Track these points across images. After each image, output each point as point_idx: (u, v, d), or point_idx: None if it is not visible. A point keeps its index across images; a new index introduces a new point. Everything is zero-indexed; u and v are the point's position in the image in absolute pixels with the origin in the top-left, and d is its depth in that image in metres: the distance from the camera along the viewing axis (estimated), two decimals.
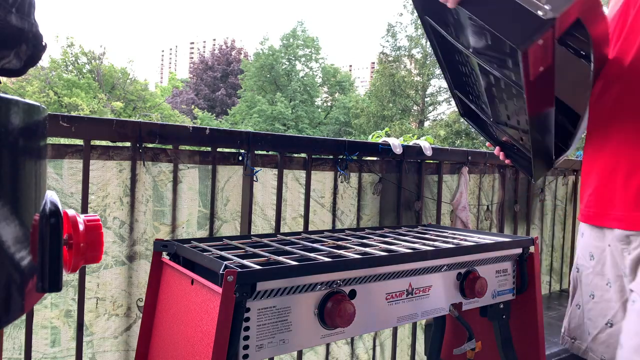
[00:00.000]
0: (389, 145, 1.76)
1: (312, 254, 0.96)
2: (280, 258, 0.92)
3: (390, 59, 22.61)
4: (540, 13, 0.66)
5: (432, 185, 2.02)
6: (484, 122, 1.20)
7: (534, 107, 0.80)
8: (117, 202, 1.29)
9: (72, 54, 23.69)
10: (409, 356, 1.92)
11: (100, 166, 1.27)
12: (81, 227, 0.51)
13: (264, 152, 1.53)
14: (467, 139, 20.87)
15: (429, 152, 1.87)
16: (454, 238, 1.26)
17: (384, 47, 23.08)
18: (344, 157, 1.67)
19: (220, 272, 0.76)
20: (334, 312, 0.85)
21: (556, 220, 2.73)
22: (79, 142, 1.24)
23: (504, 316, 1.23)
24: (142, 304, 1.27)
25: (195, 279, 0.87)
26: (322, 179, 1.68)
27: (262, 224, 1.54)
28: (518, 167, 1.26)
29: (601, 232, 1.08)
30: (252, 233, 1.48)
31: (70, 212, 0.52)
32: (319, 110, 27.95)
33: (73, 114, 9.77)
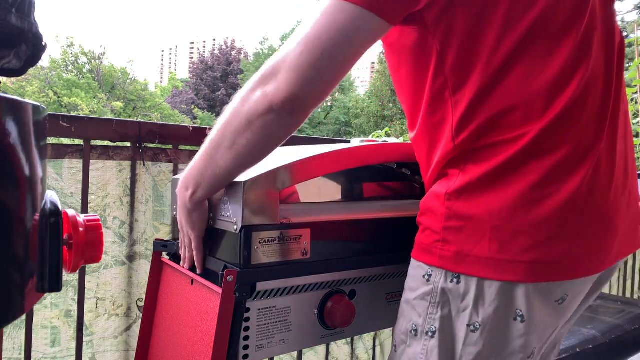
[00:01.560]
0: None
1: None
2: None
3: None
4: (234, 228, 0.77)
5: None
6: None
7: None
8: (117, 202, 1.29)
9: (72, 54, 23.71)
10: None
11: (100, 166, 1.27)
12: (81, 227, 0.51)
13: None
14: None
15: None
16: None
17: None
18: None
19: (220, 272, 0.77)
20: (334, 312, 0.85)
21: None
22: (79, 142, 1.24)
23: None
24: (142, 304, 1.27)
25: (195, 279, 0.87)
26: None
27: None
28: None
29: None
30: None
31: (70, 212, 0.52)
32: (319, 110, 27.95)
33: (73, 114, 9.77)
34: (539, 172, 0.68)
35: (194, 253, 0.86)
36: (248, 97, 0.69)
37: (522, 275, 0.68)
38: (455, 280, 0.72)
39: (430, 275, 0.74)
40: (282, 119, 0.68)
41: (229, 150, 0.72)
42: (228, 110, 0.72)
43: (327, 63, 0.65)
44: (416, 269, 0.77)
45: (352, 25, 0.64)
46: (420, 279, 0.75)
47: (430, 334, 0.74)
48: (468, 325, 0.71)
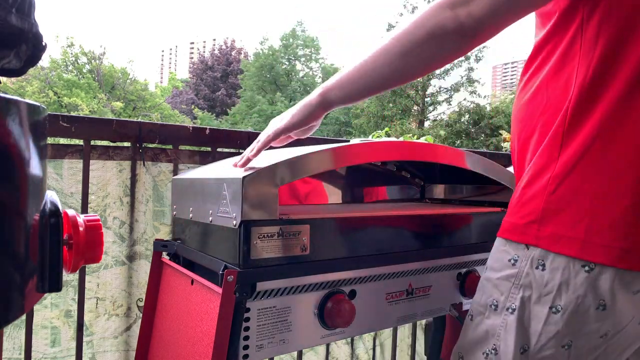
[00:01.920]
0: None
1: None
2: None
3: None
4: (234, 223, 0.78)
5: None
6: None
7: None
8: (117, 202, 1.29)
9: (72, 54, 23.70)
10: (409, 356, 1.92)
11: (100, 166, 1.27)
12: (81, 227, 0.51)
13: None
14: (467, 139, 20.87)
15: None
16: None
17: None
18: None
19: (220, 272, 0.77)
20: (334, 312, 0.85)
21: None
22: (79, 142, 1.24)
23: None
24: (142, 304, 1.27)
25: (195, 279, 0.87)
26: None
27: None
28: None
29: None
30: None
31: (70, 212, 0.52)
32: None
33: (73, 114, 9.76)
34: None
35: (259, 145, 0.85)
36: (436, 14, 0.75)
37: (612, 260, 0.73)
38: (540, 267, 0.78)
39: (516, 260, 0.81)
40: (464, 41, 0.75)
41: (402, 57, 0.77)
42: (407, 23, 0.77)
43: (512, 5, 0.74)
44: (502, 253, 0.83)
45: None
46: (505, 262, 0.82)
47: (510, 310, 0.81)
48: (550, 308, 0.77)
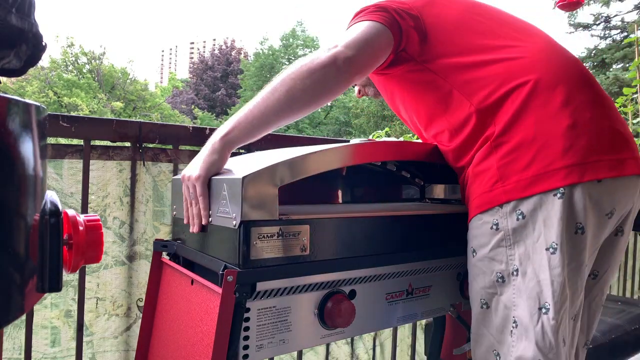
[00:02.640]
0: None
1: None
2: None
3: None
4: (233, 223, 0.78)
5: None
6: None
7: None
8: (117, 202, 1.29)
9: (72, 54, 23.70)
10: (409, 356, 1.92)
11: (100, 166, 1.27)
12: (81, 227, 0.51)
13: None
14: None
15: None
16: None
17: None
18: None
19: (220, 272, 0.76)
20: (334, 312, 0.85)
21: None
22: (79, 142, 1.24)
23: None
24: (142, 304, 1.27)
25: (195, 279, 0.87)
26: None
27: None
28: None
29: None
30: None
31: (70, 212, 0.52)
32: (319, 110, 27.89)
33: (73, 114, 9.76)
34: (560, 95, 0.82)
35: (200, 200, 0.84)
36: (314, 56, 0.87)
37: (575, 177, 0.78)
38: (520, 216, 0.82)
39: (497, 224, 0.84)
40: (339, 73, 0.86)
41: (285, 93, 0.84)
42: (291, 68, 0.86)
43: (370, 44, 0.90)
44: (481, 226, 0.87)
45: (380, 27, 0.91)
46: (488, 232, 0.86)
47: (515, 273, 0.83)
48: (547, 250, 0.80)
